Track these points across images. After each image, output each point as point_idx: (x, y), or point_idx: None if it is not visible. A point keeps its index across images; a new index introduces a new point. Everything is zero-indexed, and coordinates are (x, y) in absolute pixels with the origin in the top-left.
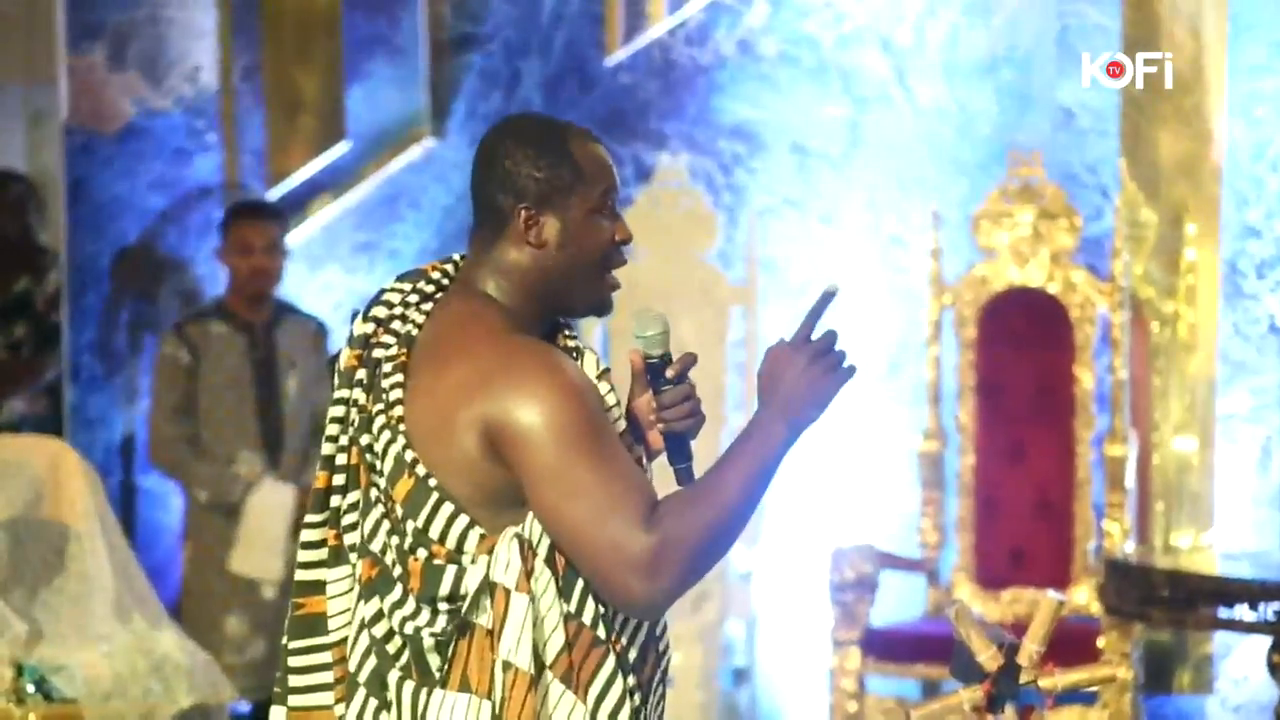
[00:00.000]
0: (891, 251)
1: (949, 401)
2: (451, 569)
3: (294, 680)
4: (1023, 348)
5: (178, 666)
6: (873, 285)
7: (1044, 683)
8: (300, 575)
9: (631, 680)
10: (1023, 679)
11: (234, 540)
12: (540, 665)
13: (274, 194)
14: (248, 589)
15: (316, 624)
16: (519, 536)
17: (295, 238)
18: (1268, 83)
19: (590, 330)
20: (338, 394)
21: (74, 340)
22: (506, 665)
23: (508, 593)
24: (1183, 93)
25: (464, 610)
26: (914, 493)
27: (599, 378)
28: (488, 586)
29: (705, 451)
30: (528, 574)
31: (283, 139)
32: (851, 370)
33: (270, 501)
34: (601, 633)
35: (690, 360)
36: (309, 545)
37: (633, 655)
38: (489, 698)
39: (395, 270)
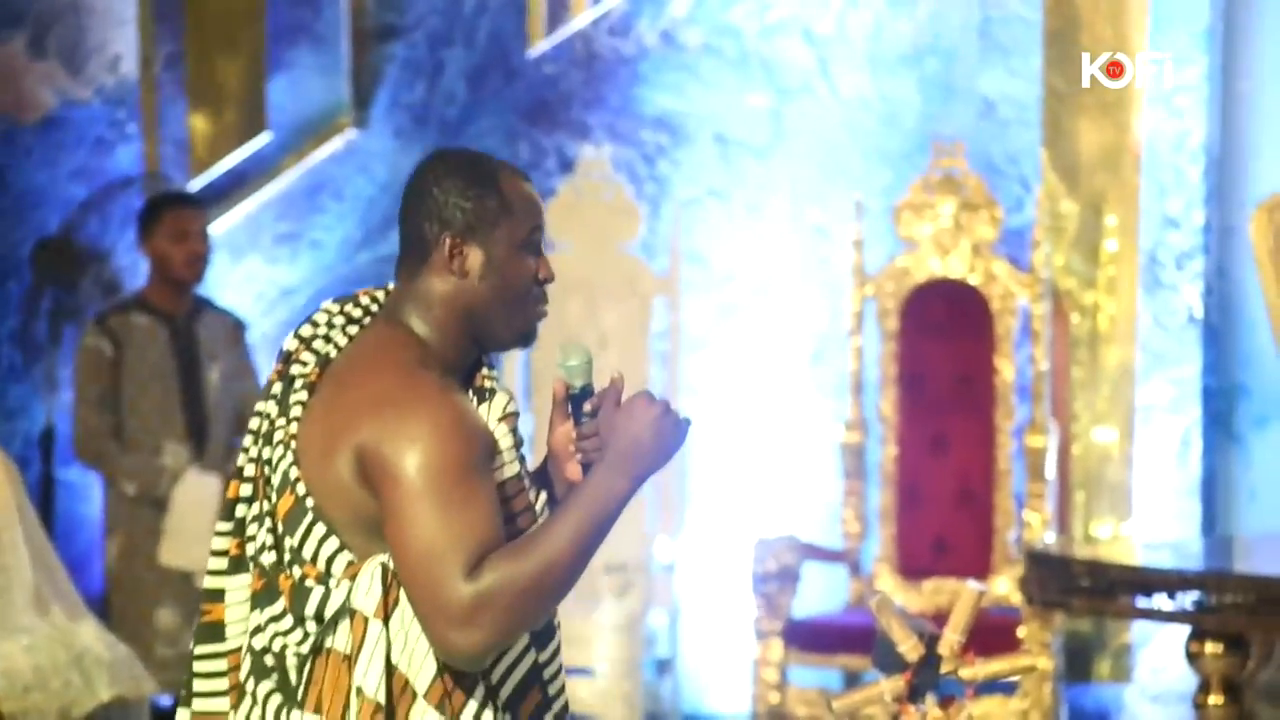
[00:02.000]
0: (814, 242)
1: (871, 392)
2: (319, 590)
3: (197, 685)
4: (944, 338)
5: (98, 659)
6: (796, 276)
7: (965, 673)
8: (207, 582)
9: (506, 717)
10: (943, 669)
11: (162, 532)
12: (409, 693)
13: (196, 184)
14: (179, 581)
15: (217, 631)
16: (384, 565)
17: (217, 228)
18: (1187, 74)
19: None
20: (258, 406)
21: None
22: (359, 691)
23: (365, 620)
24: (1103, 84)
25: (323, 631)
26: (836, 483)
27: (502, 419)
28: (348, 611)
29: None
30: (388, 604)
31: (204, 129)
32: (689, 423)
33: (196, 492)
34: None
35: (617, 392)
36: (216, 553)
37: (507, 691)
38: None
39: (318, 261)
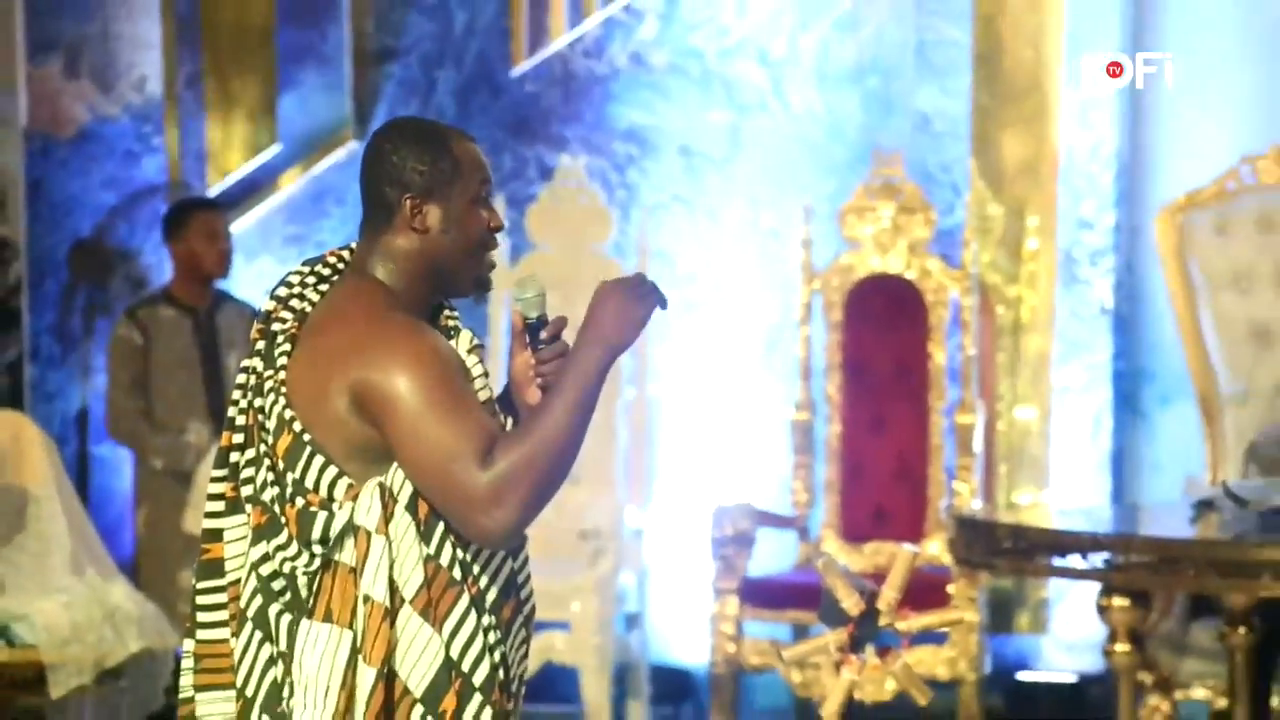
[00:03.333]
0: (768, 243)
1: (818, 376)
2: (323, 514)
3: (200, 616)
4: (883, 328)
5: (128, 615)
6: (751, 273)
7: (901, 625)
8: (206, 524)
9: (487, 619)
10: (882, 622)
11: (187, 503)
12: (399, 600)
13: (213, 191)
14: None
15: (217, 567)
16: (381, 485)
17: (232, 230)
18: (1099, 89)
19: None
20: (243, 363)
21: (34, 323)
22: (366, 598)
23: (369, 534)
24: (1025, 99)
25: (330, 549)
26: (787, 458)
27: (470, 352)
28: (351, 529)
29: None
30: (387, 519)
31: (221, 141)
32: (662, 298)
33: None
34: (457, 574)
35: (562, 323)
36: (213, 497)
37: (491, 597)
38: (350, 628)
39: None
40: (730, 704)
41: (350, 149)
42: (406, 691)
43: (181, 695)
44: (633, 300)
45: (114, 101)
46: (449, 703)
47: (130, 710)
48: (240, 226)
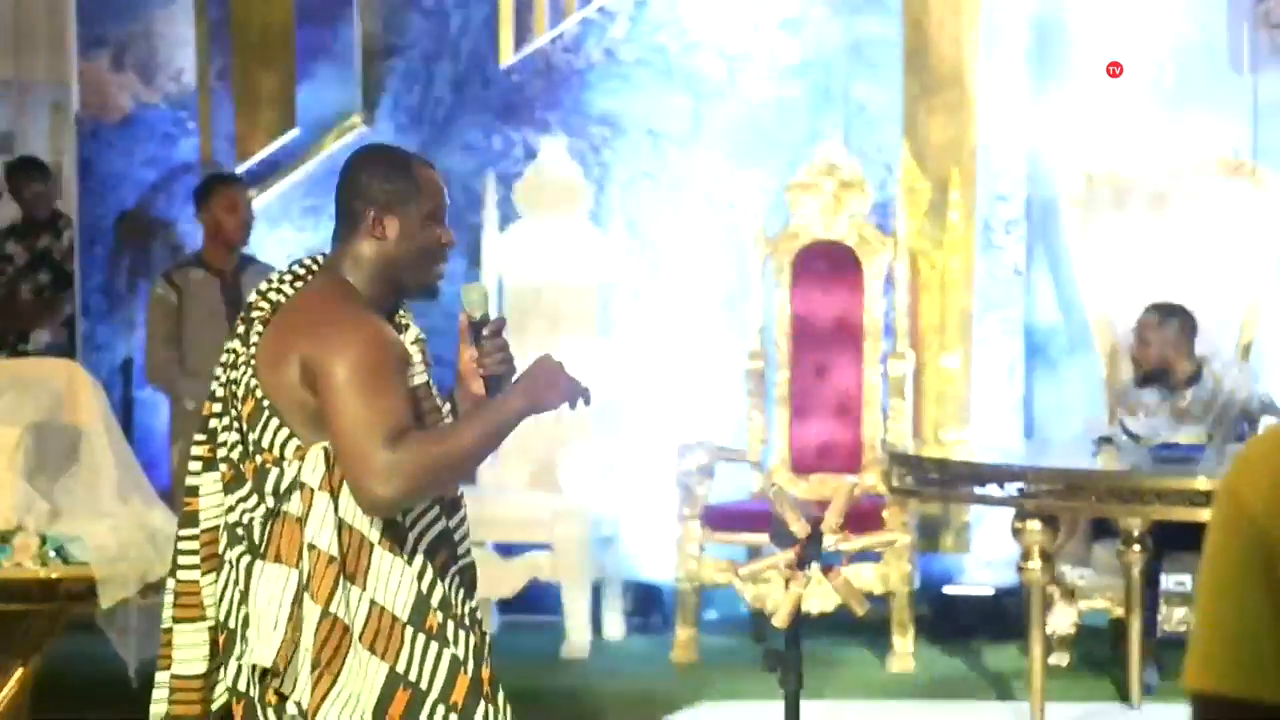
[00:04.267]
0: (725, 214)
1: (769, 330)
2: (275, 471)
3: (180, 560)
4: (826, 288)
5: (167, 537)
6: (710, 240)
7: (842, 546)
8: (187, 480)
9: (426, 561)
10: (825, 543)
11: None
12: (367, 543)
13: (240, 169)
14: None
15: (193, 518)
16: (325, 449)
17: (257, 203)
18: (1014, 83)
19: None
20: (227, 345)
21: (85, 284)
22: (311, 547)
23: (312, 491)
24: (948, 89)
25: (280, 500)
26: (742, 401)
27: (414, 343)
28: (298, 484)
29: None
30: (331, 479)
31: (247, 126)
32: (587, 396)
33: None
34: (403, 518)
35: (501, 323)
36: (193, 458)
37: (424, 545)
38: (296, 568)
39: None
40: (693, 615)
41: (359, 133)
42: (397, 619)
43: (163, 626)
44: (566, 384)
45: (154, 91)
46: (433, 619)
47: None
48: (263, 200)
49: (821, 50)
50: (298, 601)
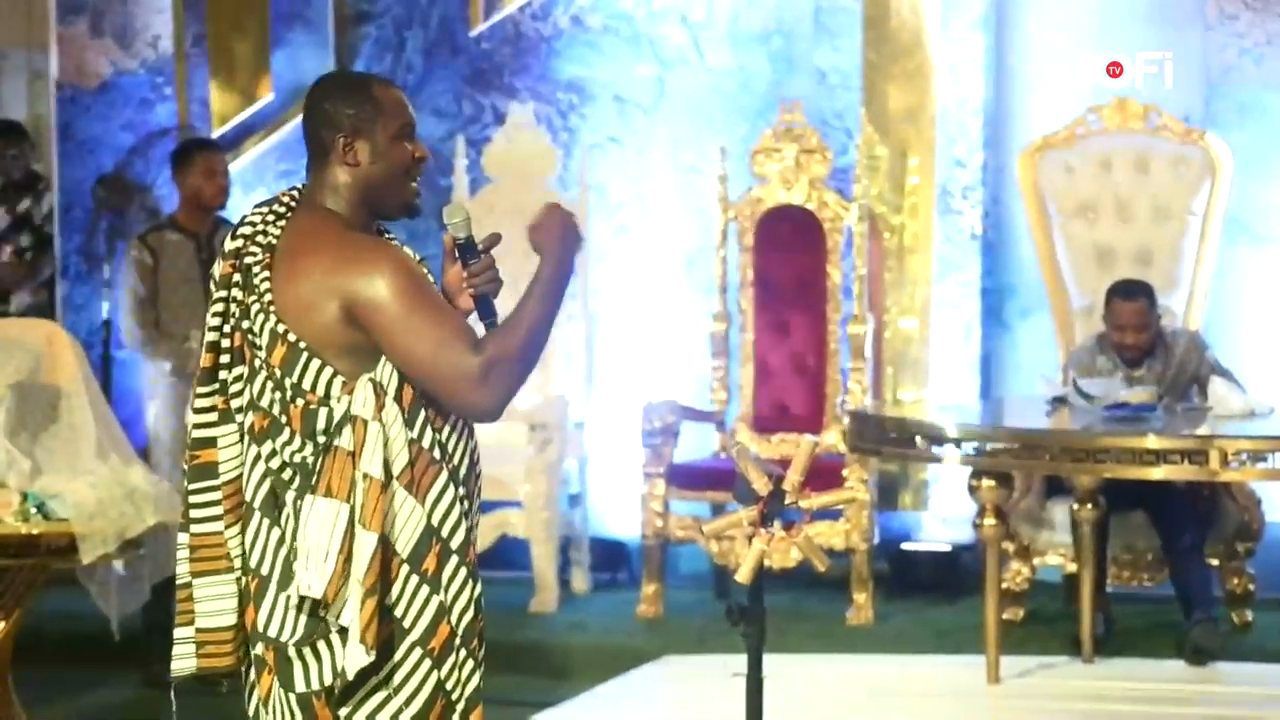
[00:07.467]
0: (689, 178)
1: (732, 292)
2: (323, 410)
3: (195, 513)
4: (788, 251)
5: (145, 494)
6: (675, 204)
7: (803, 503)
8: (196, 434)
9: (461, 490)
10: (787, 501)
11: (189, 400)
12: (389, 476)
13: (216, 134)
14: None
15: (210, 470)
16: (372, 380)
17: (233, 168)
18: (969, 49)
19: None
20: (216, 295)
21: (64, 246)
22: (365, 475)
23: (365, 422)
24: (907, 57)
25: (330, 437)
26: (706, 361)
27: (419, 263)
28: (349, 419)
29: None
30: (379, 408)
31: (222, 91)
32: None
33: None
34: (437, 454)
35: (496, 239)
36: (201, 410)
37: (462, 472)
38: (347, 501)
39: None
40: (658, 570)
41: None
42: (395, 554)
43: (179, 582)
44: (574, 230)
45: (132, 57)
46: (430, 563)
47: (150, 574)
48: (239, 164)
49: (783, 18)
50: (349, 534)
